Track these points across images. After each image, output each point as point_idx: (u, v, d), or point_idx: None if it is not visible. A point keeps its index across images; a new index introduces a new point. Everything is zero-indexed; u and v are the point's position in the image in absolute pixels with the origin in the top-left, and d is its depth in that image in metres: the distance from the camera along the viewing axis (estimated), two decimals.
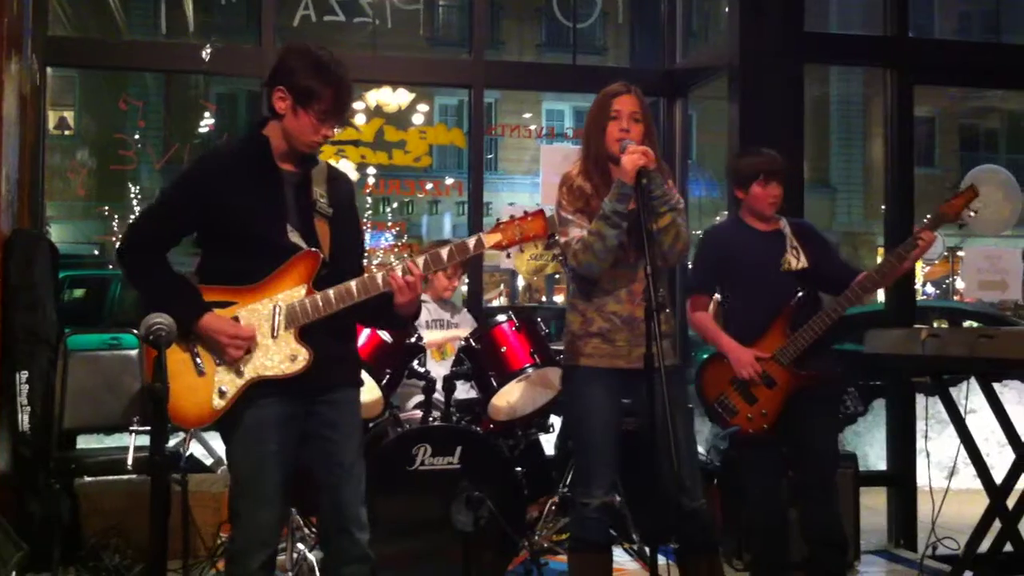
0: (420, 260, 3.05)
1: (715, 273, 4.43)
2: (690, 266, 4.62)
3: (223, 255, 3.05)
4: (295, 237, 3.03)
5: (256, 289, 3.00)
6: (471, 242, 3.09)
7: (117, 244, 3.08)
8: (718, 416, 4.33)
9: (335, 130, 3.11)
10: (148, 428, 3.82)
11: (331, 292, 2.99)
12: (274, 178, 3.06)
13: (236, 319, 2.97)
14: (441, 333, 5.00)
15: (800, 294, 4.24)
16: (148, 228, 3.09)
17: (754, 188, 4.33)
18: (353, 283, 3.00)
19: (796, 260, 4.31)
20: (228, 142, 3.34)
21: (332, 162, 6.54)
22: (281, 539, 4.36)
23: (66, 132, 20.54)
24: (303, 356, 2.97)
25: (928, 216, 4.21)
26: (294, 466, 3.06)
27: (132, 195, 18.08)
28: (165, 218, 3.08)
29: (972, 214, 4.07)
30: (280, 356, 2.98)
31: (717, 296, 4.50)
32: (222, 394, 2.95)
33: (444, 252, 3.07)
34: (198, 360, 2.95)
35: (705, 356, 4.55)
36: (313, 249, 3.03)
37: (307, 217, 3.07)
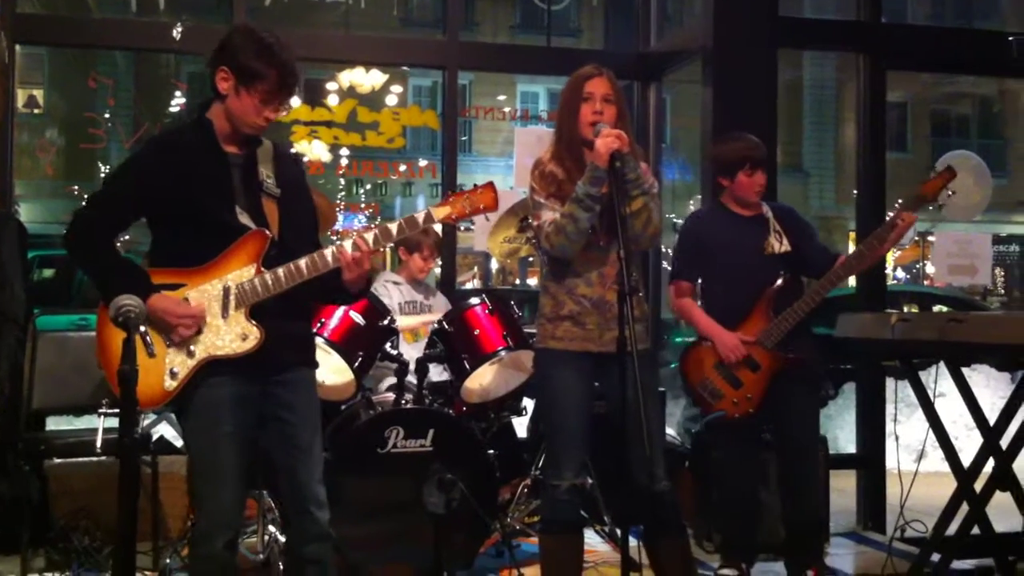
0: (369, 235, 3.05)
1: (697, 259, 4.44)
2: (668, 252, 4.63)
3: (173, 239, 3.03)
4: (245, 219, 3.02)
5: (205, 270, 2.99)
6: (420, 216, 3.12)
7: (69, 224, 3.04)
8: (702, 401, 4.34)
9: (280, 113, 3.08)
10: (117, 410, 3.80)
11: (280, 271, 2.99)
12: (219, 161, 3.04)
13: (186, 300, 2.97)
14: (415, 318, 4.99)
15: (782, 277, 4.26)
16: (94, 215, 3.05)
17: (740, 176, 4.33)
18: (303, 261, 3.00)
19: (779, 243, 4.33)
20: (173, 127, 3.31)
21: (304, 143, 6.53)
22: (252, 521, 4.39)
23: (35, 110, 20.37)
24: (254, 335, 2.98)
25: (901, 198, 4.23)
26: (253, 447, 3.06)
27: (102, 174, 17.88)
28: (111, 205, 3.05)
29: (951, 194, 4.10)
30: (231, 335, 2.97)
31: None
32: (174, 375, 2.95)
33: (393, 227, 3.08)
34: (148, 341, 2.89)
35: (685, 340, 4.57)
36: (261, 229, 3.02)
37: (255, 198, 3.05)
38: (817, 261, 4.31)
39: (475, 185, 3.18)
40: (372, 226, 3.10)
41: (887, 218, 4.49)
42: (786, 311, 4.20)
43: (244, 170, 3.06)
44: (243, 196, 3.04)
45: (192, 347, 2.95)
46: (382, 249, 3.17)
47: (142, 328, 2.85)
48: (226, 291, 2.98)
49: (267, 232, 3.02)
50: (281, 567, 4.17)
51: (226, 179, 3.03)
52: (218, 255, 2.99)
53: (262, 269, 3.00)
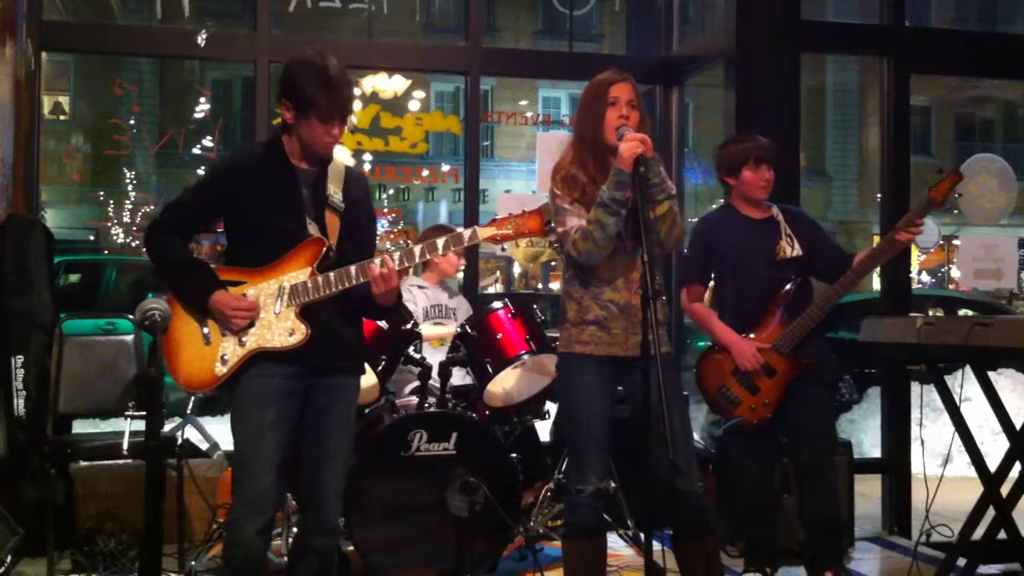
0: (396, 254, 3.23)
1: (708, 263, 4.43)
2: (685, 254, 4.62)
3: (246, 245, 3.28)
4: (313, 229, 3.25)
5: (265, 270, 3.23)
6: (466, 234, 3.28)
7: (146, 228, 3.36)
8: (720, 408, 4.34)
9: (344, 128, 3.30)
10: (143, 413, 3.87)
11: (332, 274, 3.20)
12: (289, 176, 3.27)
13: (244, 296, 3.20)
14: (440, 328, 5.00)
15: (794, 281, 4.26)
16: (168, 216, 3.33)
17: (744, 173, 4.33)
18: (353, 267, 3.20)
19: (790, 248, 4.32)
20: (251, 145, 3.56)
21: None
22: (277, 524, 4.41)
23: (61, 117, 20.51)
24: (301, 332, 3.17)
25: (914, 202, 4.22)
26: (292, 442, 3.22)
27: (127, 180, 18.04)
28: (183, 209, 3.33)
29: (957, 196, 4.10)
30: (280, 330, 3.18)
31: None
32: (224, 361, 3.18)
33: (440, 242, 3.25)
34: (206, 331, 3.21)
35: (703, 346, 4.56)
36: (319, 237, 3.23)
37: (320, 210, 3.27)
38: (832, 263, 4.29)
39: (523, 210, 3.28)
40: (422, 233, 3.25)
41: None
42: (800, 316, 4.19)
43: (314, 185, 3.29)
44: (311, 208, 3.27)
45: (244, 338, 3.19)
46: (429, 257, 3.36)
47: (205, 320, 3.21)
48: (280, 290, 3.20)
49: (324, 239, 3.23)
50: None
51: (295, 193, 3.26)
52: (278, 258, 3.22)
53: (316, 273, 3.20)
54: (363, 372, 3.47)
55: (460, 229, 3.31)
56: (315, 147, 3.24)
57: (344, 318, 3.31)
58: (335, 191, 3.30)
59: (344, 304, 3.27)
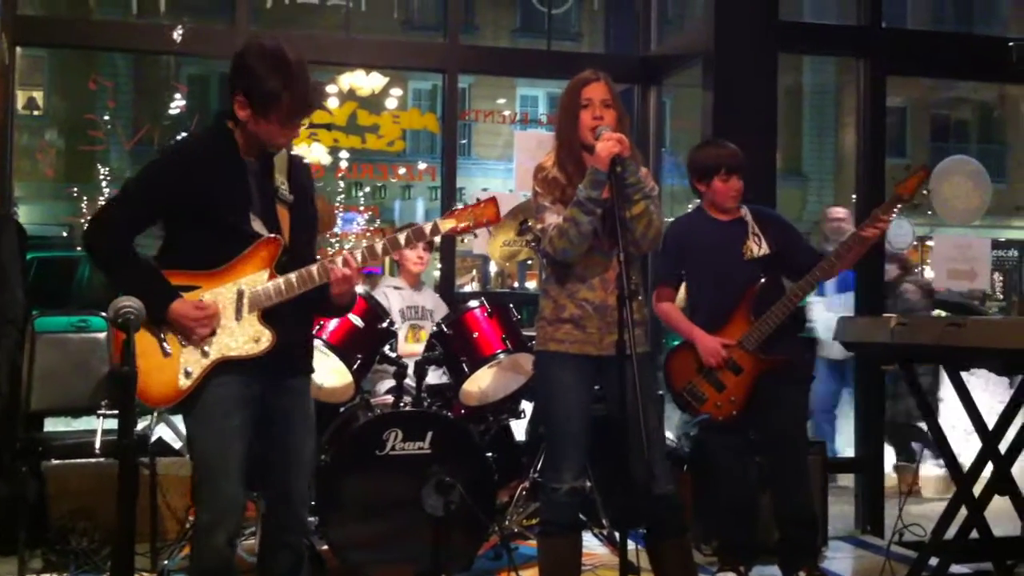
0: (357, 253, 3.15)
1: (679, 264, 4.48)
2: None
3: (187, 241, 3.08)
4: (257, 225, 3.09)
5: (220, 274, 3.05)
6: (427, 227, 3.25)
7: (84, 231, 3.13)
8: (687, 404, 4.37)
9: (300, 128, 3.19)
10: (116, 411, 3.83)
11: (293, 276, 3.07)
12: (238, 168, 3.10)
13: (202, 301, 3.03)
14: (417, 346, 4.96)
15: (762, 280, 4.29)
16: (115, 216, 3.11)
17: (715, 182, 4.38)
18: (314, 267, 3.08)
19: (757, 247, 4.37)
20: (193, 134, 3.38)
21: (304, 145, 6.54)
22: (250, 523, 4.38)
23: (35, 112, 20.39)
24: (266, 337, 3.05)
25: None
26: (253, 446, 3.11)
27: (101, 176, 17.90)
28: (131, 207, 3.10)
29: (925, 192, 4.14)
30: (244, 337, 3.05)
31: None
32: (188, 374, 3.01)
33: (402, 236, 3.21)
34: (164, 342, 3.01)
35: (673, 345, 4.59)
36: (275, 235, 3.09)
37: (269, 204, 3.13)
38: (802, 262, 4.33)
39: (478, 200, 3.28)
40: (383, 236, 3.18)
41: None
42: (766, 314, 4.24)
43: (260, 177, 3.13)
44: (258, 203, 3.11)
45: (206, 348, 3.02)
46: (392, 257, 3.26)
47: (162, 330, 3.00)
48: (240, 295, 3.05)
49: (280, 239, 3.10)
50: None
51: (244, 186, 3.09)
52: (231, 259, 3.05)
53: (275, 274, 3.07)
54: (314, 370, 3.35)
55: (424, 223, 3.27)
56: (269, 146, 3.08)
57: (300, 319, 3.21)
58: (282, 182, 3.15)
59: (301, 305, 3.14)
